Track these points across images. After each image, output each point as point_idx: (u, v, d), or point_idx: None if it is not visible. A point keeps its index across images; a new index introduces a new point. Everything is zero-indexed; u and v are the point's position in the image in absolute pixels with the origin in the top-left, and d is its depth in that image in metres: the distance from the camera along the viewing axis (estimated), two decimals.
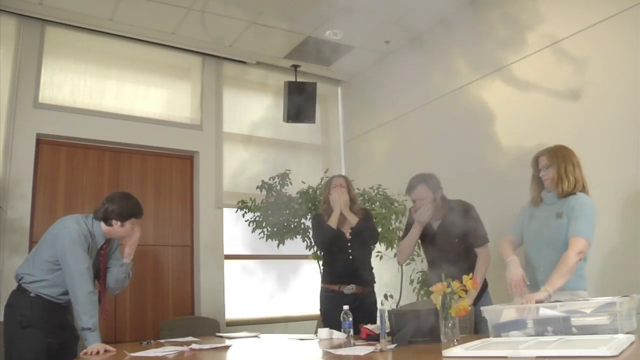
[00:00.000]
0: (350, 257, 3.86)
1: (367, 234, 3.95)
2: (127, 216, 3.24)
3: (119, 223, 3.22)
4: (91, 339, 2.97)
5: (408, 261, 4.38)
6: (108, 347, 2.98)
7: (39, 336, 3.01)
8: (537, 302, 2.58)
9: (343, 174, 6.86)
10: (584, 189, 3.08)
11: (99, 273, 3.28)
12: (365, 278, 3.91)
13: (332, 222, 3.88)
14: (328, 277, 3.95)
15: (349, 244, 3.88)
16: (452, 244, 3.60)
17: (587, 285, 3.04)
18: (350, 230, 3.91)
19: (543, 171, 3.16)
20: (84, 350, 2.93)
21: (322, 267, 4.05)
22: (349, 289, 3.80)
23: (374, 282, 4.00)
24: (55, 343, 3.06)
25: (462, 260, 3.47)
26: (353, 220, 3.91)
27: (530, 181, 3.30)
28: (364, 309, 3.74)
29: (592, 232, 2.95)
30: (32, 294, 3.08)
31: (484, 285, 3.65)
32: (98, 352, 2.90)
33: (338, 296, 3.77)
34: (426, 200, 3.61)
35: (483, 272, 3.57)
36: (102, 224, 3.23)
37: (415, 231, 3.68)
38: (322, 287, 4.00)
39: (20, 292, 3.12)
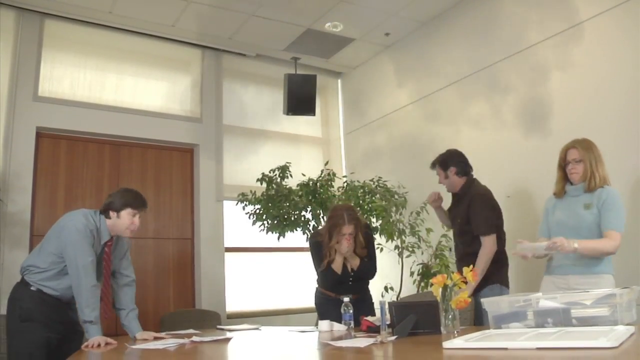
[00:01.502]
0: (350, 283, 3.80)
1: (367, 274, 3.88)
2: (122, 206, 3.22)
3: (115, 214, 3.21)
4: (92, 332, 2.98)
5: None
6: (109, 339, 2.99)
7: (38, 330, 3.02)
8: (560, 247, 2.89)
9: (344, 168, 6.89)
10: (608, 185, 3.15)
11: (103, 269, 3.28)
12: (362, 288, 3.91)
13: (337, 268, 3.75)
14: (324, 285, 3.89)
15: (350, 280, 3.80)
16: (456, 224, 3.92)
17: (613, 270, 3.10)
18: (354, 269, 3.79)
19: (572, 164, 3.18)
20: (85, 343, 2.94)
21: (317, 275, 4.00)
22: (346, 297, 3.76)
23: (368, 283, 3.99)
24: (54, 338, 3.07)
25: (466, 241, 3.80)
26: (355, 264, 3.78)
27: (557, 172, 3.32)
28: (362, 305, 3.74)
29: (623, 225, 3.04)
30: (33, 288, 3.09)
31: (487, 279, 3.65)
32: (99, 345, 2.91)
33: (335, 301, 3.65)
34: (440, 179, 3.99)
35: (483, 262, 3.61)
36: (106, 219, 3.24)
37: (436, 211, 4.20)
38: (318, 290, 3.96)
39: (22, 285, 3.13)
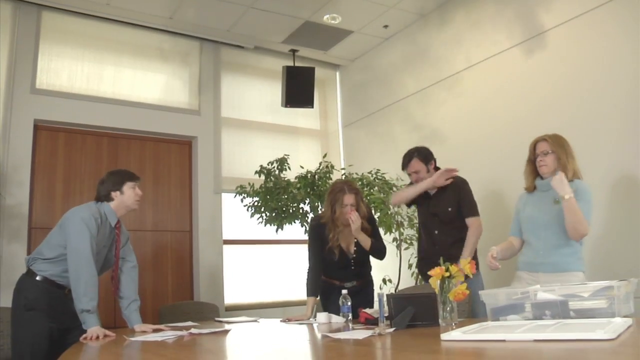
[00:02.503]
0: (352, 267, 3.79)
1: (377, 254, 3.84)
2: (120, 182, 3.34)
3: (117, 192, 3.32)
4: (90, 321, 2.99)
5: (404, 246, 4.55)
6: (107, 332, 2.99)
7: (41, 320, 3.05)
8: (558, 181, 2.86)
9: (342, 161, 6.89)
10: (579, 179, 3.09)
11: (115, 252, 3.39)
12: (364, 273, 3.90)
13: (337, 253, 3.73)
14: (329, 273, 3.86)
15: (352, 261, 3.77)
16: (445, 213, 3.80)
17: (584, 268, 3.06)
18: (355, 249, 3.75)
19: (541, 157, 3.13)
20: (84, 335, 2.94)
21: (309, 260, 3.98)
22: (350, 283, 3.75)
23: (371, 268, 3.98)
24: (56, 329, 3.09)
25: (455, 229, 3.74)
26: (366, 244, 3.73)
27: (525, 166, 3.28)
28: (364, 294, 3.76)
29: (591, 217, 2.98)
30: (38, 278, 3.13)
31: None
32: (97, 337, 2.92)
33: (339, 289, 3.67)
34: (421, 173, 3.84)
35: (472, 242, 3.63)
36: (108, 204, 3.32)
37: (421, 187, 3.84)
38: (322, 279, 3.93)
39: (28, 275, 3.18)
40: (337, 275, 3.80)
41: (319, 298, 3.95)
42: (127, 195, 3.34)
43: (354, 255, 3.76)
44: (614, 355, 1.51)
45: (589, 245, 3.14)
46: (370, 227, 3.79)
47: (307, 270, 3.86)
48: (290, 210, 5.35)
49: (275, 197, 5.27)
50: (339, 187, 3.70)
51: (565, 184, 2.87)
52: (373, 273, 4.02)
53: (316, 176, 5.41)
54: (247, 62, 6.74)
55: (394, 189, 5.40)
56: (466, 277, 2.62)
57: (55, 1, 5.39)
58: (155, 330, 3.18)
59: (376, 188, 5.32)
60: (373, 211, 5.10)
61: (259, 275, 6.37)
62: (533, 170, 3.22)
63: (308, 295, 3.75)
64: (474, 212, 3.75)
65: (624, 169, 3.99)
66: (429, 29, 5.88)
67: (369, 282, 3.95)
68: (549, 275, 3.01)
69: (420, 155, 3.87)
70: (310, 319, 3.61)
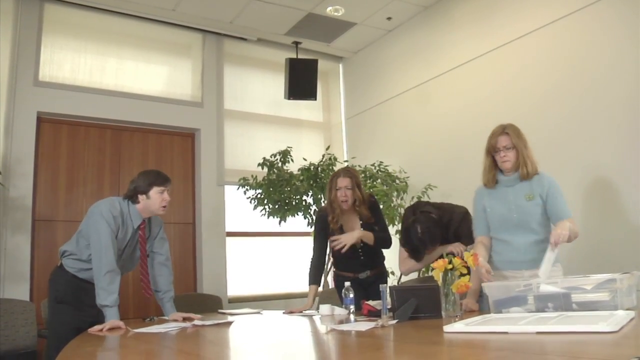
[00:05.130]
0: (362, 257, 3.77)
1: (382, 245, 3.81)
2: (147, 187, 3.27)
3: (144, 196, 3.28)
4: (110, 315, 3.03)
5: None
6: (121, 324, 3.00)
7: (68, 312, 3.19)
8: (563, 240, 2.65)
9: (345, 153, 6.88)
10: (537, 171, 3.00)
11: (139, 252, 3.42)
12: (377, 262, 3.87)
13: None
14: (341, 266, 3.87)
15: (360, 251, 3.75)
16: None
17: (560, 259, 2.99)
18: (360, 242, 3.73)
19: (503, 152, 2.96)
20: (97, 327, 2.93)
21: (331, 257, 3.97)
22: (364, 274, 3.76)
23: (384, 259, 3.93)
24: (86, 321, 3.13)
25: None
26: (371, 240, 3.69)
27: (483, 160, 3.09)
28: (379, 284, 3.76)
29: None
30: (69, 273, 3.24)
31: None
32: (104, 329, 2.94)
33: (355, 281, 3.57)
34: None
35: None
36: (134, 205, 3.30)
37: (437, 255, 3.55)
38: (336, 273, 3.93)
39: (60, 269, 3.30)
40: (348, 267, 3.79)
41: (328, 289, 3.96)
42: (153, 200, 3.28)
43: (362, 245, 3.74)
44: (616, 348, 1.51)
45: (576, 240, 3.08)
46: (374, 217, 3.77)
47: (310, 259, 3.87)
48: (293, 203, 5.35)
49: (278, 189, 5.28)
50: (336, 172, 3.83)
51: (565, 237, 2.67)
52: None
53: (319, 168, 5.41)
54: (250, 54, 6.73)
55: (397, 181, 5.40)
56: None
57: None
58: (186, 319, 3.27)
59: (379, 180, 5.33)
60: None
61: (262, 267, 6.38)
62: (493, 164, 3.05)
63: (310, 283, 3.79)
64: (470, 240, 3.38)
65: (624, 162, 3.97)
66: (433, 21, 5.86)
67: (383, 273, 3.89)
68: (533, 272, 2.87)
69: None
70: (313, 310, 3.62)
